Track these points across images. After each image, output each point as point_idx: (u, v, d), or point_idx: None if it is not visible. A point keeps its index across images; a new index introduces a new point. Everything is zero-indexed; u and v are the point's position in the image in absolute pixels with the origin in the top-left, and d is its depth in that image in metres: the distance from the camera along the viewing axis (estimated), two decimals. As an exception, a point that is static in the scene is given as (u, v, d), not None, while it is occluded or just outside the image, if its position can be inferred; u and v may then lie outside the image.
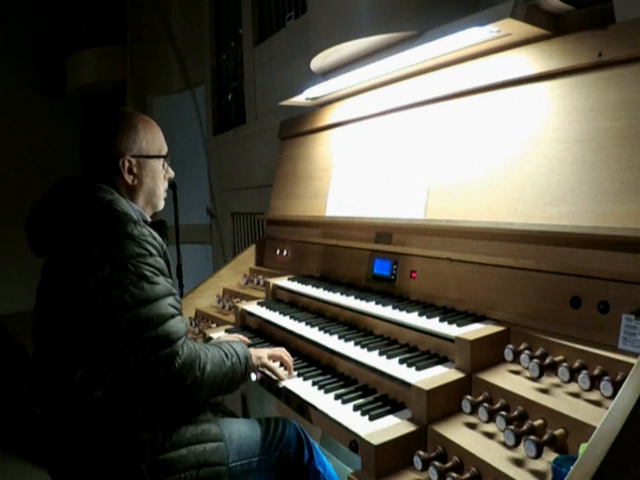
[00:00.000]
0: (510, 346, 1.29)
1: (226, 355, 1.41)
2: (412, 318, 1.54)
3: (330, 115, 2.40)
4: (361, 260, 2.02)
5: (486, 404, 1.16)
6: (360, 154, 2.14)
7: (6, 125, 6.00)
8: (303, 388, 1.49)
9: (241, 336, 1.80)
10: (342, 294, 1.87)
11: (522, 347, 1.29)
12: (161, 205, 1.62)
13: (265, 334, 1.97)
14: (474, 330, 1.37)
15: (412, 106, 1.92)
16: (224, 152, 4.26)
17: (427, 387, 1.22)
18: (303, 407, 1.45)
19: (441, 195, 1.71)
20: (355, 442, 1.21)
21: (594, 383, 1.09)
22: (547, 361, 1.20)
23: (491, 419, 1.15)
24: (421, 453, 1.14)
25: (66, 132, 6.27)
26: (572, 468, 0.80)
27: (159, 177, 1.57)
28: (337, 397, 1.39)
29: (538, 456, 1.00)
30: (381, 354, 1.46)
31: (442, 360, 1.39)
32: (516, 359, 1.27)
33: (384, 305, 1.67)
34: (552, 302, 1.31)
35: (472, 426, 1.18)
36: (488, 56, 1.62)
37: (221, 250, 4.45)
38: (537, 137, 1.44)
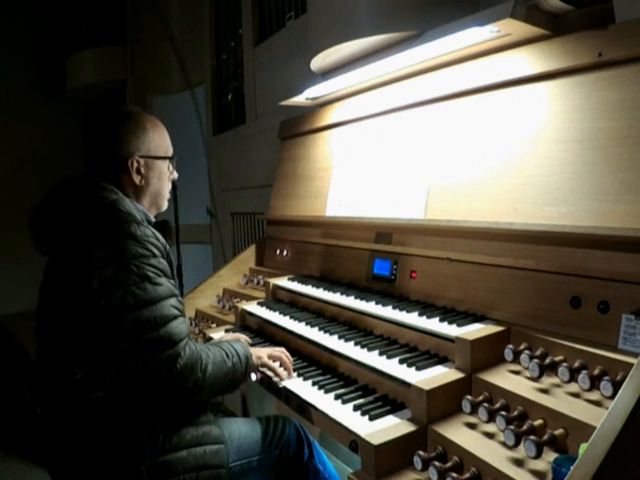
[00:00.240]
0: (510, 346, 1.29)
1: (227, 355, 1.41)
2: (412, 318, 1.54)
3: (330, 115, 2.40)
4: (361, 260, 2.02)
5: (486, 404, 1.16)
6: (360, 154, 2.14)
7: (6, 125, 6.00)
8: (303, 388, 1.49)
9: (242, 335, 1.80)
10: (342, 294, 1.87)
11: (522, 347, 1.29)
12: (165, 206, 1.62)
13: (265, 334, 1.97)
14: (474, 330, 1.37)
15: (412, 106, 1.92)
16: (224, 152, 4.26)
17: (427, 387, 1.22)
18: (303, 407, 1.45)
19: (441, 195, 1.71)
20: (355, 442, 1.21)
21: (594, 383, 1.09)
22: (547, 361, 1.20)
23: (491, 419, 1.15)
24: (421, 453, 1.14)
25: (66, 132, 6.28)
26: (572, 468, 0.80)
27: (165, 178, 1.58)
28: (337, 397, 1.39)
29: (538, 456, 1.00)
30: (381, 354, 1.46)
31: (442, 360, 1.39)
32: (516, 359, 1.26)
33: (384, 305, 1.67)
34: (552, 302, 1.31)
35: (472, 426, 1.18)
36: (488, 56, 1.62)
37: (221, 250, 4.45)
38: (537, 137, 1.44)
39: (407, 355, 1.44)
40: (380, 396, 1.38)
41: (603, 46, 1.30)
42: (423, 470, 1.13)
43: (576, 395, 1.11)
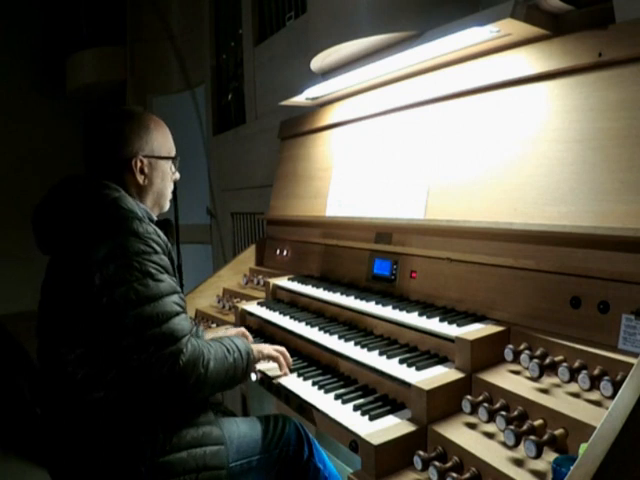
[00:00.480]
0: (510, 346, 1.29)
1: (228, 351, 1.41)
2: (412, 318, 1.54)
3: (330, 115, 2.40)
4: (361, 260, 2.02)
5: (486, 404, 1.16)
6: (360, 154, 2.14)
7: (6, 125, 6.00)
8: (303, 388, 1.49)
9: (243, 329, 1.80)
10: (342, 294, 1.87)
11: (522, 347, 1.29)
12: (167, 206, 1.63)
13: (265, 334, 1.97)
14: (474, 330, 1.37)
15: (412, 106, 1.92)
16: (224, 152, 4.26)
17: (427, 387, 1.22)
18: (303, 407, 1.45)
19: (441, 195, 1.71)
20: (355, 442, 1.21)
21: (594, 383, 1.09)
22: (547, 361, 1.20)
23: (491, 419, 1.15)
24: (421, 453, 1.14)
25: (66, 132, 6.27)
26: (572, 468, 0.80)
27: (168, 178, 1.58)
28: (337, 397, 1.39)
29: (538, 456, 1.00)
30: (381, 354, 1.46)
31: (442, 360, 1.39)
32: (516, 359, 1.26)
33: (384, 305, 1.67)
34: (552, 302, 1.31)
35: (472, 426, 1.18)
36: (488, 56, 1.62)
37: (221, 250, 4.45)
38: (537, 137, 1.44)
39: (407, 355, 1.44)
40: (380, 396, 1.38)
41: (603, 46, 1.30)
42: (423, 470, 1.13)
43: (576, 395, 1.11)
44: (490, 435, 1.13)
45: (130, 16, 5.49)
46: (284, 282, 2.20)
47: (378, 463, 1.13)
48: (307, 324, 1.79)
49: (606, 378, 1.07)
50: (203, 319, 2.49)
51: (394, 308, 1.63)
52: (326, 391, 1.44)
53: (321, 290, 1.97)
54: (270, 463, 1.51)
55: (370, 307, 1.69)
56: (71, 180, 1.43)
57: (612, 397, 1.03)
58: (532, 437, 1.01)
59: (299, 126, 2.66)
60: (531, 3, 1.40)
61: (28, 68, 6.28)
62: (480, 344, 1.30)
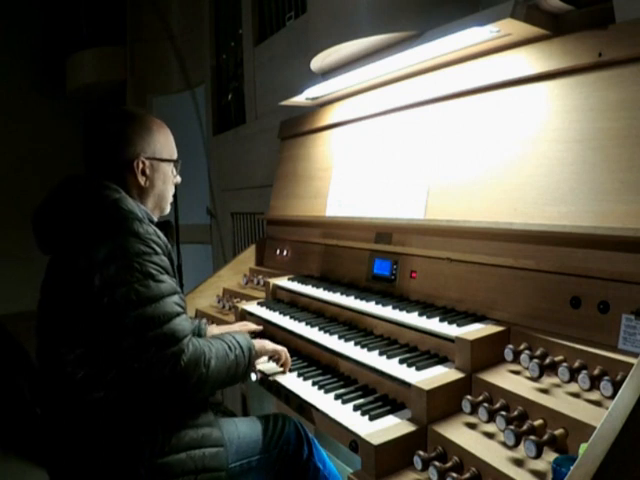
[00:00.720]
0: (510, 346, 1.29)
1: (229, 348, 1.40)
2: (412, 318, 1.53)
3: (330, 115, 2.40)
4: (361, 260, 2.02)
5: (486, 404, 1.16)
6: (360, 154, 2.14)
7: (6, 125, 6.00)
8: (303, 388, 1.49)
9: (249, 324, 1.80)
10: (342, 294, 1.87)
11: (522, 347, 1.29)
12: (168, 209, 1.63)
13: (265, 334, 1.97)
14: (474, 330, 1.37)
15: (412, 106, 1.92)
16: (224, 152, 4.26)
17: (427, 387, 1.22)
18: (303, 407, 1.45)
19: (441, 195, 1.71)
20: (355, 442, 1.21)
21: (594, 383, 1.09)
22: (547, 361, 1.20)
23: (491, 419, 1.15)
24: (421, 453, 1.14)
25: (66, 132, 6.28)
26: (572, 468, 0.80)
27: (169, 181, 1.58)
28: (337, 397, 1.39)
29: (538, 456, 1.00)
30: (381, 354, 1.46)
31: (442, 360, 1.39)
32: (516, 359, 1.26)
33: (384, 305, 1.67)
34: (552, 302, 1.31)
35: (472, 426, 1.18)
36: (488, 56, 1.62)
37: (221, 250, 4.45)
38: (537, 137, 1.44)
39: (407, 355, 1.44)
40: (380, 396, 1.38)
41: (603, 46, 1.30)
42: (423, 470, 1.13)
43: (576, 395, 1.11)
44: (490, 435, 1.13)
45: (130, 16, 5.49)
46: (284, 282, 2.20)
47: (378, 463, 1.13)
48: (307, 324, 1.79)
49: (606, 378, 1.07)
50: (203, 319, 2.49)
51: (394, 308, 1.63)
52: (326, 391, 1.44)
53: (321, 290, 1.97)
54: (270, 463, 1.51)
55: (370, 307, 1.69)
56: (71, 180, 1.43)
57: (612, 397, 1.03)
58: (532, 437, 1.01)
59: (299, 126, 2.66)
60: (531, 3, 1.40)
61: (28, 68, 6.28)
62: (480, 344, 1.30)
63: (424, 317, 1.52)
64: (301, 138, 2.65)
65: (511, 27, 1.44)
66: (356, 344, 1.55)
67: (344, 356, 1.53)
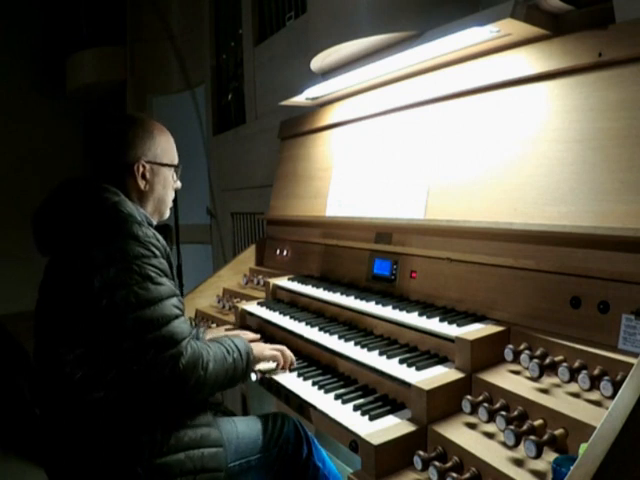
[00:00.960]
0: (510, 346, 1.29)
1: (227, 351, 1.41)
2: (412, 318, 1.53)
3: (330, 115, 2.40)
4: (361, 260, 2.02)
5: (486, 404, 1.16)
6: (360, 154, 2.14)
7: (6, 125, 6.00)
8: (303, 388, 1.49)
9: (249, 333, 1.80)
10: (342, 294, 1.87)
11: (522, 347, 1.29)
12: (167, 214, 1.64)
13: (265, 334, 1.97)
14: (474, 330, 1.37)
15: (412, 106, 1.92)
16: (224, 152, 4.26)
17: (427, 387, 1.22)
18: (303, 407, 1.45)
19: (441, 195, 1.71)
20: (355, 442, 1.21)
21: (594, 383, 1.09)
22: (547, 361, 1.20)
23: (491, 419, 1.15)
24: (421, 453, 1.13)
25: (66, 132, 6.28)
26: (572, 468, 0.80)
27: (169, 186, 1.59)
28: (337, 397, 1.39)
29: (538, 456, 1.00)
30: (381, 354, 1.46)
31: (442, 360, 1.39)
32: (516, 359, 1.26)
33: (384, 305, 1.67)
34: (552, 302, 1.31)
35: (472, 426, 1.18)
36: (488, 56, 1.62)
37: (221, 250, 4.45)
38: (537, 137, 1.44)
39: (407, 355, 1.44)
40: (380, 396, 1.38)
41: (603, 46, 1.30)
42: (423, 470, 1.13)
43: (576, 395, 1.11)
44: (490, 435, 1.13)
45: (130, 16, 5.49)
46: (284, 282, 2.20)
47: (378, 463, 1.13)
48: (307, 324, 1.79)
49: (606, 378, 1.07)
50: (203, 319, 2.49)
51: (394, 308, 1.63)
52: (326, 391, 1.44)
53: (321, 290, 1.97)
54: (269, 462, 1.51)
55: (370, 307, 1.69)
56: (71, 183, 1.44)
57: (612, 397, 1.03)
58: (532, 437, 1.01)
59: (299, 126, 2.66)
60: (531, 3, 1.40)
61: (28, 68, 6.28)
62: (480, 344, 1.30)
63: (424, 317, 1.52)
64: (301, 138, 2.65)
65: (511, 27, 1.44)
66: (356, 344, 1.55)
67: (344, 356, 1.53)
